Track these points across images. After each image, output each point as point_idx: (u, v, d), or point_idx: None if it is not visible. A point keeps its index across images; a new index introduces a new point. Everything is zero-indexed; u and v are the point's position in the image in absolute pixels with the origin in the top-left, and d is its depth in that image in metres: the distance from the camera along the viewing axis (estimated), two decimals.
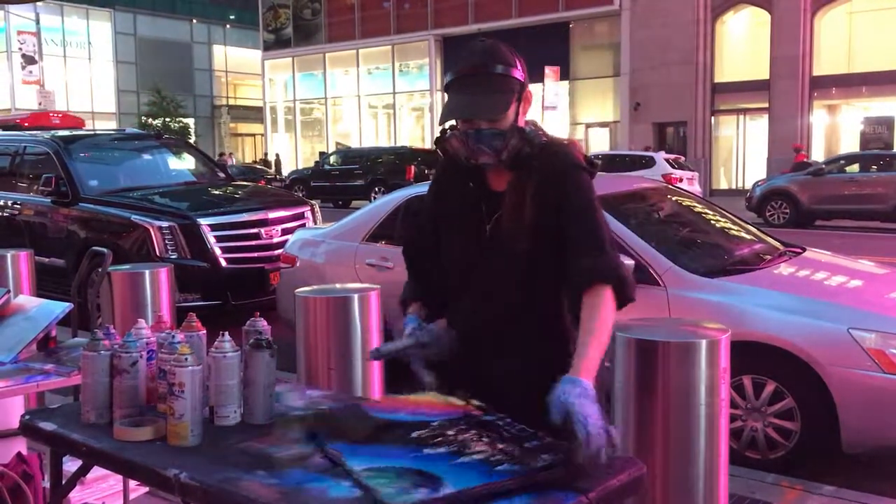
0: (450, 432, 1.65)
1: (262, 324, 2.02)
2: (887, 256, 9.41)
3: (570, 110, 26.86)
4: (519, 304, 1.93)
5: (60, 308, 2.94)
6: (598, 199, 1.93)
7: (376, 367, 3.15)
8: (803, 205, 15.89)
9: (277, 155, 33.93)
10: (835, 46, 22.97)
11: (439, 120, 1.92)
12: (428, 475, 1.49)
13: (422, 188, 6.02)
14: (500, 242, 1.92)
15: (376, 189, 21.63)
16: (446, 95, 1.93)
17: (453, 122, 1.93)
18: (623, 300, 1.84)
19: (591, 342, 1.75)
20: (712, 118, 24.87)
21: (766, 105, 23.60)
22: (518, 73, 1.88)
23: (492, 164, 1.89)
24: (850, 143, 23.19)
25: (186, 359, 1.75)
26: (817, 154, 22.80)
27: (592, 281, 1.82)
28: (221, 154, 33.76)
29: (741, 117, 25.21)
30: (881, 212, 15.06)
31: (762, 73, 23.43)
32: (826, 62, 23.00)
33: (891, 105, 22.78)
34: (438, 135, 1.97)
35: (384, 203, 5.74)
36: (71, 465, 2.00)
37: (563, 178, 1.89)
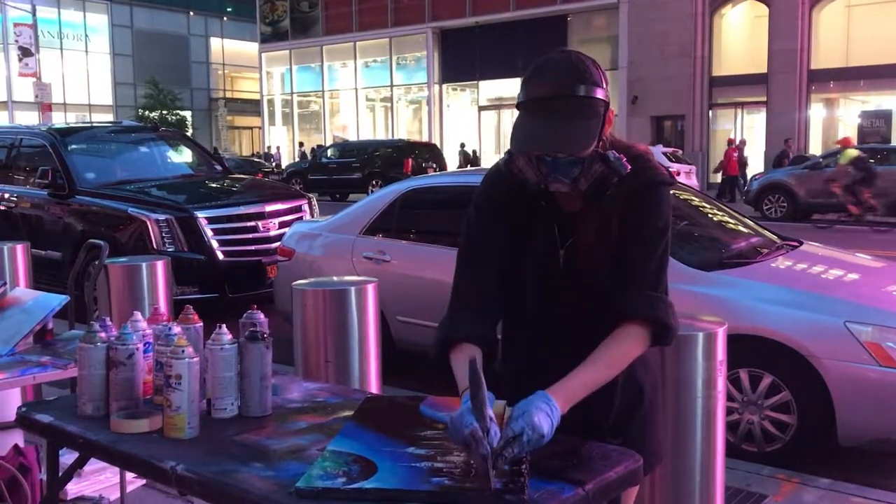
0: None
1: (259, 316, 2.01)
2: (884, 250, 9.42)
3: None
4: (592, 335, 1.69)
5: (57, 300, 2.94)
6: (669, 226, 1.73)
7: (373, 360, 3.15)
8: (801, 198, 15.89)
9: (278, 148, 33.80)
10: (833, 40, 22.95)
11: (514, 147, 1.66)
12: (369, 467, 1.50)
13: (419, 181, 6.02)
14: (577, 272, 1.73)
15: (374, 182, 21.61)
16: (517, 112, 1.68)
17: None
18: (658, 342, 1.71)
19: (588, 369, 1.63)
20: (710, 112, 24.85)
21: (764, 99, 23.59)
22: (602, 93, 1.64)
23: (568, 190, 1.67)
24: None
25: (183, 351, 1.74)
26: (815, 148, 22.80)
27: (628, 318, 1.68)
28: (268, 148, 33.18)
29: (739, 111, 25.20)
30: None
31: (760, 66, 23.42)
32: (824, 56, 22.99)
33: (888, 99, 22.78)
34: (505, 155, 1.73)
35: (381, 196, 5.74)
36: (68, 457, 2.00)
37: (644, 195, 1.70)
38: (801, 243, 4.97)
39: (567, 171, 1.64)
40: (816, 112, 24.00)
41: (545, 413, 1.49)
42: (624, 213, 1.70)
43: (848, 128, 23.57)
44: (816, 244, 5.23)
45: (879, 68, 21.71)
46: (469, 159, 26.27)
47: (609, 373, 1.66)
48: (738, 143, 21.56)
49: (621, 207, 1.70)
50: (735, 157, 20.57)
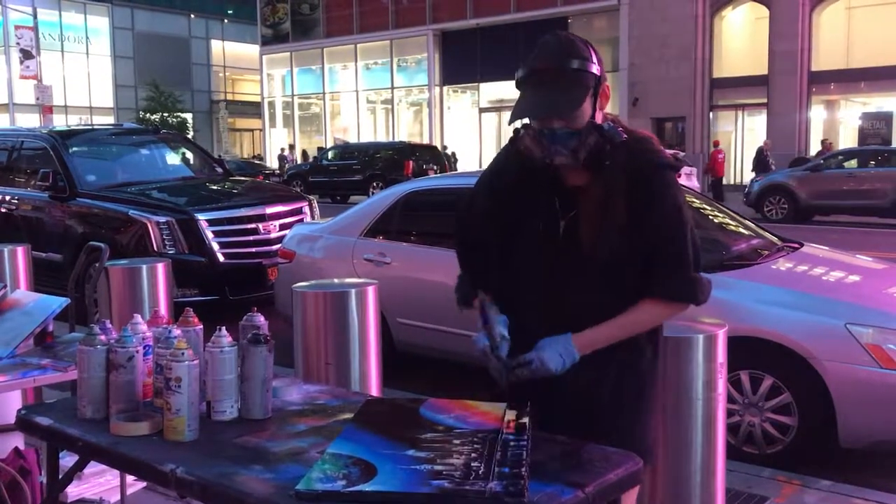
0: (456, 441, 1.64)
1: (260, 319, 2.01)
2: (885, 252, 9.42)
3: None
4: (591, 309, 1.81)
5: (58, 303, 2.94)
6: (685, 203, 1.84)
7: (373, 363, 3.14)
8: (801, 200, 15.89)
9: (291, 147, 33.68)
10: (833, 42, 22.96)
11: (509, 119, 1.80)
12: (369, 470, 1.50)
13: (420, 183, 6.02)
14: (576, 243, 1.80)
15: (374, 184, 21.62)
16: (518, 92, 1.82)
17: (527, 119, 1.83)
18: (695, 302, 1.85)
19: (613, 325, 1.80)
20: (711, 113, 24.86)
21: (765, 100, 23.59)
22: (593, 68, 1.76)
23: (569, 164, 1.78)
24: (848, 139, 23.20)
25: (183, 354, 1.74)
26: (816, 150, 22.79)
27: (665, 297, 1.82)
28: (282, 150, 33.10)
29: (740, 113, 25.21)
30: (879, 207, 15.07)
31: (761, 68, 23.42)
32: (825, 57, 22.99)
33: (889, 100, 22.78)
34: (513, 133, 1.87)
35: (382, 198, 5.74)
36: (68, 460, 2.00)
37: (652, 179, 1.78)
38: (802, 245, 4.96)
39: (565, 142, 1.75)
40: (817, 114, 24.00)
41: (558, 353, 1.74)
42: (630, 193, 1.76)
43: (849, 129, 23.60)
44: (817, 246, 5.23)
45: (880, 70, 21.71)
46: (450, 162, 25.77)
47: (622, 332, 1.81)
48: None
49: (625, 184, 1.77)
50: (721, 158, 20.60)
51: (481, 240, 1.98)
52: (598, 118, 1.80)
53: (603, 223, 1.77)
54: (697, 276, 1.82)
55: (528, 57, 1.79)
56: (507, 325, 1.81)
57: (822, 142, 21.24)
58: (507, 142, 1.92)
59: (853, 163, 16.22)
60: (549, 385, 1.78)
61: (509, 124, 1.84)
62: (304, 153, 31.26)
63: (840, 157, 16.76)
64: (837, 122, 24.51)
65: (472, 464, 1.50)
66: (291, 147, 33.79)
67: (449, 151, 27.34)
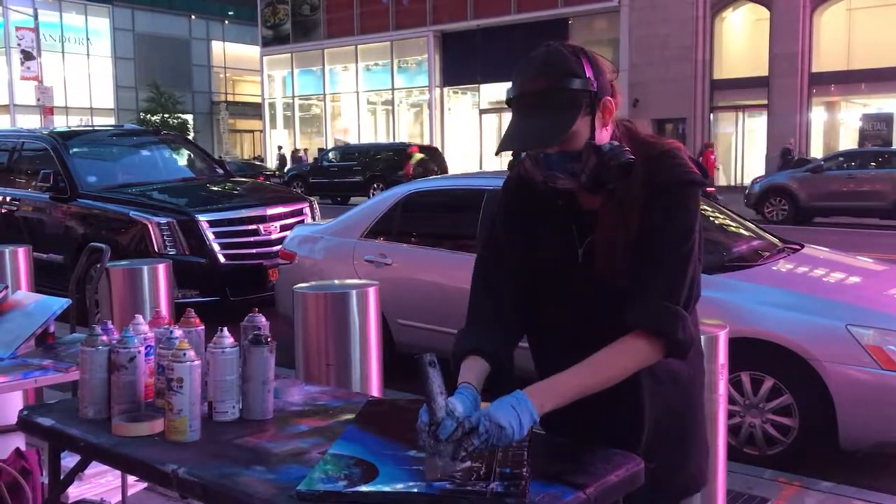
0: None
1: (261, 319, 2.01)
2: (885, 253, 9.42)
3: None
4: (611, 340, 1.60)
5: (59, 304, 2.94)
6: (698, 227, 1.64)
7: (374, 364, 3.15)
8: (802, 202, 15.89)
9: (305, 150, 33.57)
10: (834, 43, 22.98)
11: (496, 150, 1.66)
12: (370, 471, 1.50)
13: (421, 184, 6.02)
14: (594, 271, 1.65)
15: (375, 185, 21.62)
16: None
17: None
18: (671, 356, 1.62)
19: (572, 371, 1.56)
20: (711, 115, 24.88)
21: (766, 102, 23.61)
22: (583, 84, 1.58)
23: (572, 187, 1.63)
24: (848, 140, 23.20)
25: (185, 354, 1.74)
26: (816, 151, 22.80)
27: (642, 329, 1.58)
28: (296, 150, 32.67)
29: (740, 114, 25.23)
30: (879, 209, 15.07)
31: (761, 69, 23.43)
32: (825, 59, 23.01)
33: (889, 102, 22.80)
34: (511, 158, 1.73)
35: (383, 199, 5.74)
36: (69, 460, 2.00)
37: (672, 195, 1.61)
38: (803, 246, 4.97)
39: (561, 166, 1.60)
40: (817, 115, 24.01)
41: (509, 406, 1.47)
42: (647, 209, 1.60)
43: (849, 131, 23.61)
44: (818, 247, 5.23)
45: (880, 71, 21.72)
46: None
47: (596, 379, 1.57)
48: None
49: (644, 203, 1.61)
50: (712, 159, 20.60)
51: (503, 271, 1.75)
52: (605, 135, 1.63)
53: (616, 249, 1.61)
54: (683, 313, 1.59)
55: (516, 72, 1.64)
56: (472, 400, 1.53)
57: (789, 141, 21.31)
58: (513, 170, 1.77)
59: (853, 164, 16.22)
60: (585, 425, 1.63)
61: (496, 154, 1.73)
62: (283, 157, 31.27)
63: (840, 159, 16.77)
64: (838, 124, 24.52)
65: (473, 464, 1.50)
66: (305, 150, 33.69)
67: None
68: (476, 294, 1.78)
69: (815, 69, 23.01)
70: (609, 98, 1.63)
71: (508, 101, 1.64)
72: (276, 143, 35.40)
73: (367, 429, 1.72)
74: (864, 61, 22.19)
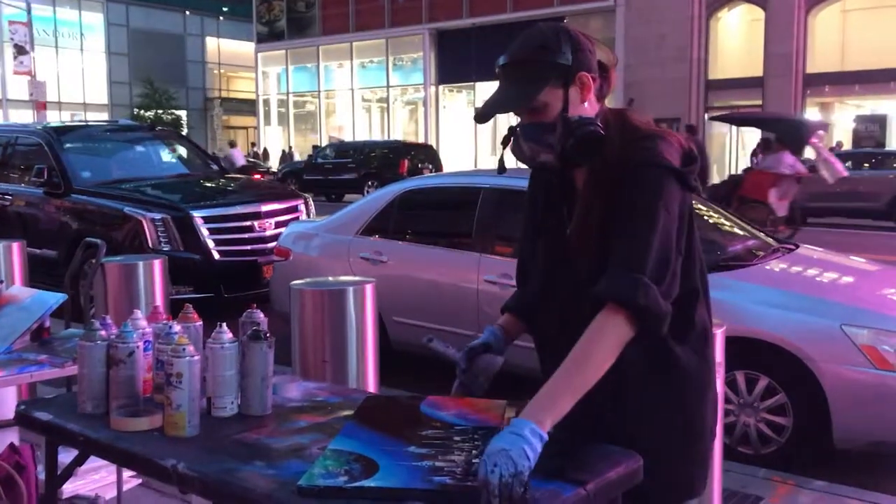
0: (456, 438, 1.64)
1: (259, 315, 2.02)
2: (879, 253, 9.46)
3: None
4: (589, 319, 1.60)
5: (55, 299, 2.93)
6: (666, 207, 1.60)
7: (370, 361, 3.15)
8: (796, 202, 15.92)
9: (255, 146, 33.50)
10: (828, 44, 23.03)
11: (474, 117, 1.75)
12: (370, 466, 1.51)
13: (416, 182, 6.02)
14: (570, 248, 1.73)
15: (370, 183, 21.59)
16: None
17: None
18: (645, 329, 1.57)
19: (559, 375, 1.53)
20: (706, 115, 24.91)
21: (760, 102, 23.64)
22: (559, 57, 1.63)
23: (551, 160, 1.68)
24: (842, 141, 23.27)
25: (184, 349, 1.74)
26: (809, 151, 22.86)
27: (603, 299, 1.56)
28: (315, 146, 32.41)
29: None
30: (874, 210, 15.12)
31: (756, 69, 23.48)
32: (819, 60, 23.06)
33: (883, 103, 22.89)
34: (504, 137, 1.77)
35: (378, 197, 5.74)
36: (64, 455, 2.00)
37: (636, 178, 1.62)
38: (798, 246, 4.99)
39: (537, 137, 1.67)
40: (812, 116, 24.05)
41: (504, 433, 1.42)
42: (614, 191, 1.63)
43: (843, 132, 23.68)
44: (812, 247, 5.25)
45: (874, 73, 21.79)
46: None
47: (585, 375, 1.52)
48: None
49: (610, 182, 1.63)
50: None
51: (527, 252, 1.93)
52: (587, 111, 1.67)
53: (589, 226, 1.66)
54: (643, 279, 1.55)
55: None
56: (491, 333, 1.89)
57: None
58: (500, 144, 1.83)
59: (847, 165, 16.26)
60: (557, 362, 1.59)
61: (475, 121, 1.76)
62: (284, 153, 31.26)
63: None
64: (831, 125, 24.59)
65: (473, 460, 1.51)
66: (291, 148, 33.62)
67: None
68: (518, 265, 1.98)
69: (809, 70, 23.07)
70: (586, 74, 1.67)
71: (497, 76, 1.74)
72: (275, 142, 35.33)
73: (366, 424, 1.72)
74: (858, 63, 22.25)
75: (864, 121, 22.42)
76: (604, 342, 1.55)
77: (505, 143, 1.77)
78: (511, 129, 1.75)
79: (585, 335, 1.56)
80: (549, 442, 1.46)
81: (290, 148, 33.22)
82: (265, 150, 32.99)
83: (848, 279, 4.63)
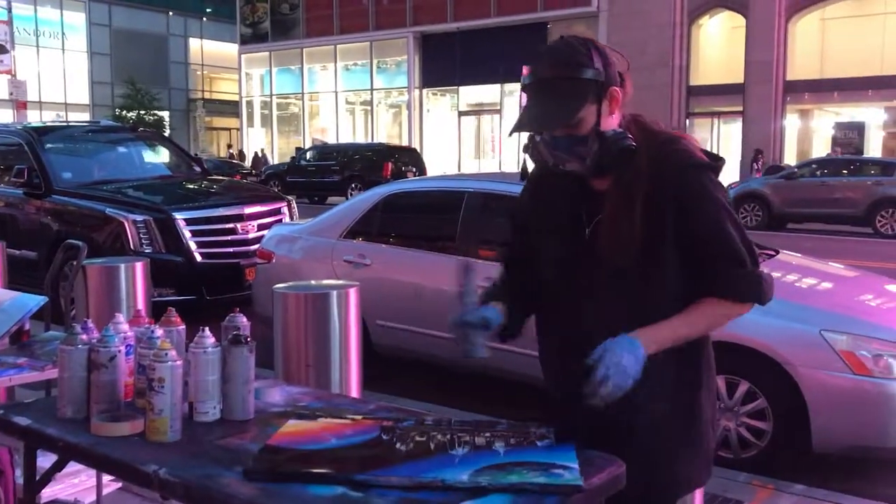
0: (436, 433, 1.67)
1: (242, 319, 2.01)
2: (857, 259, 9.56)
3: None
4: (613, 321, 1.71)
5: (35, 301, 2.90)
6: (727, 200, 1.76)
7: (354, 365, 3.14)
8: (776, 208, 16.08)
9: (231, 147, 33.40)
10: (808, 52, 23.28)
11: (510, 131, 1.78)
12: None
13: (400, 185, 6.02)
14: (599, 251, 1.75)
15: (353, 185, 21.55)
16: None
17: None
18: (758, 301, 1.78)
19: (675, 321, 1.72)
20: (687, 120, 25.08)
21: (741, 108, 23.85)
22: (592, 73, 1.70)
23: (580, 170, 1.75)
24: (821, 148, 23.53)
25: (166, 354, 1.73)
26: (790, 158, 23.08)
27: (725, 294, 1.74)
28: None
29: (716, 120, 25.46)
30: (852, 216, 15.29)
31: (737, 76, 23.68)
32: (799, 67, 23.30)
33: (861, 111, 23.16)
34: (527, 141, 1.83)
35: (362, 200, 5.73)
36: (42, 460, 1.98)
37: (683, 183, 1.71)
38: (778, 252, 5.03)
39: (568, 149, 1.72)
40: (791, 122, 24.31)
41: (630, 355, 1.63)
42: (654, 198, 1.70)
43: (822, 138, 23.94)
44: (792, 253, 5.30)
45: (853, 80, 22.05)
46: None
47: (690, 333, 1.75)
48: None
49: (647, 188, 1.71)
50: None
51: (521, 255, 1.94)
52: (613, 122, 1.75)
53: (621, 228, 1.72)
54: (759, 272, 1.76)
55: (532, 62, 1.78)
56: (497, 313, 1.83)
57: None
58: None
59: (826, 172, 16.43)
60: (576, 360, 1.70)
61: (509, 135, 1.85)
62: (256, 155, 31.34)
63: (813, 166, 17.00)
64: (811, 131, 24.84)
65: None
66: (263, 150, 33.62)
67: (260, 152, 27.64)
68: (505, 265, 2.00)
69: (789, 77, 23.30)
70: (616, 88, 1.75)
71: (524, 88, 1.78)
72: (257, 144, 35.20)
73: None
74: (837, 70, 22.50)
75: (843, 128, 22.67)
76: (717, 321, 1.78)
77: (527, 150, 1.83)
78: (531, 138, 1.80)
79: (706, 308, 1.75)
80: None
81: (262, 150, 33.14)
82: (240, 151, 32.87)
83: (827, 285, 4.68)
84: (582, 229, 1.79)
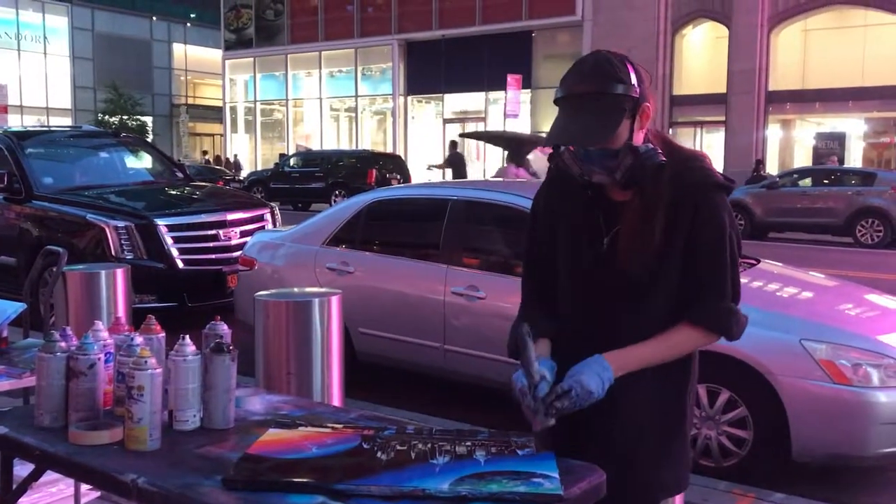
0: (418, 443, 1.66)
1: (223, 327, 2.00)
2: (838, 269, 9.64)
3: (532, 119, 27.07)
4: (629, 329, 1.80)
5: (13, 308, 2.88)
6: (732, 227, 1.82)
7: (336, 373, 3.13)
8: (757, 217, 16.20)
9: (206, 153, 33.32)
10: (790, 63, 23.50)
11: (544, 142, 1.81)
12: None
13: (383, 192, 6.02)
14: (616, 259, 1.80)
15: (337, 192, 21.52)
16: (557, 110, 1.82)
17: None
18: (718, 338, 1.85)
19: (643, 348, 1.77)
20: (671, 130, 25.24)
21: (723, 118, 24.03)
22: (628, 90, 1.74)
23: (607, 182, 1.78)
24: (803, 158, 23.74)
25: (146, 362, 1.72)
26: (772, 168, 23.27)
27: (700, 325, 1.81)
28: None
29: (699, 130, 25.63)
30: (833, 225, 15.43)
31: (720, 86, 23.86)
32: (782, 78, 23.52)
33: (842, 121, 23.39)
34: (552, 151, 1.87)
35: (345, 207, 5.72)
36: (20, 469, 1.96)
37: (701, 200, 1.77)
38: (759, 261, 5.06)
39: (600, 162, 1.75)
40: (773, 132, 24.52)
41: (595, 373, 1.69)
42: (674, 212, 1.76)
43: (804, 149, 24.16)
44: (773, 262, 5.34)
45: (834, 91, 22.28)
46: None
47: (662, 355, 1.79)
48: None
49: (668, 202, 1.76)
50: None
51: (542, 264, 1.96)
52: (640, 137, 1.79)
53: (640, 239, 1.76)
54: (735, 308, 1.83)
55: (566, 74, 1.78)
56: (551, 369, 1.74)
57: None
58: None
59: (807, 181, 16.58)
60: (601, 417, 1.78)
61: (545, 146, 1.87)
62: (229, 162, 31.36)
63: (795, 176, 17.15)
64: (793, 142, 25.06)
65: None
66: (236, 156, 33.60)
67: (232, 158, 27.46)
68: (523, 286, 2.01)
69: (771, 87, 23.50)
70: (647, 104, 1.79)
71: (556, 101, 1.79)
72: (241, 149, 35.09)
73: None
74: (819, 81, 22.73)
75: (824, 138, 22.89)
76: (685, 346, 1.83)
77: (551, 159, 1.86)
78: (556, 147, 1.83)
79: (678, 334, 1.80)
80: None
81: (236, 156, 33.05)
82: (217, 156, 32.78)
83: (807, 294, 4.71)
84: (600, 238, 1.82)
